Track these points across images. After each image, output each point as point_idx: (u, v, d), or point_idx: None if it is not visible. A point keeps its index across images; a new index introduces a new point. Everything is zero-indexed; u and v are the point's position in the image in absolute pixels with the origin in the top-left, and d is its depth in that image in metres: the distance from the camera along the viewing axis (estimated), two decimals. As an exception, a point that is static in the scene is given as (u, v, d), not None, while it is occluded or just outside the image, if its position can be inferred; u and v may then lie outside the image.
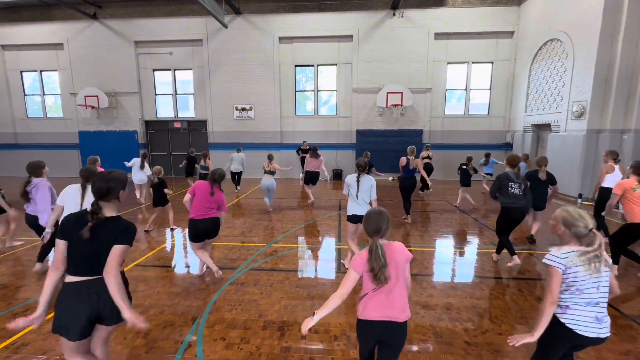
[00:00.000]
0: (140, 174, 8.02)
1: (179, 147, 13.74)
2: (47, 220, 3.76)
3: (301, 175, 12.73)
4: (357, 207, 4.06)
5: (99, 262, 1.78)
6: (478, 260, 4.77)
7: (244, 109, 12.89)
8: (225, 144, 12.92)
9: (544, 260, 1.81)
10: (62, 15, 12.82)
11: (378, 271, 1.75)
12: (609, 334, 1.77)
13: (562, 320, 1.77)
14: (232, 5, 11.68)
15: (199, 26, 12.46)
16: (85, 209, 1.83)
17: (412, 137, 12.34)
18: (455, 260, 4.77)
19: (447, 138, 12.41)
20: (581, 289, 1.73)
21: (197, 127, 13.57)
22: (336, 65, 12.65)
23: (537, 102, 10.61)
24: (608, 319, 1.77)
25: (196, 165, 9.90)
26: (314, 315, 1.86)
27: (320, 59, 12.65)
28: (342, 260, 4.60)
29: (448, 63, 12.29)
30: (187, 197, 3.85)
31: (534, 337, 1.80)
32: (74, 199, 3.35)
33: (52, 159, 14.23)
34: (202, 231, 3.82)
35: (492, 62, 12.19)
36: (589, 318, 1.73)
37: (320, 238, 5.68)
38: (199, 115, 13.43)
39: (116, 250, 1.77)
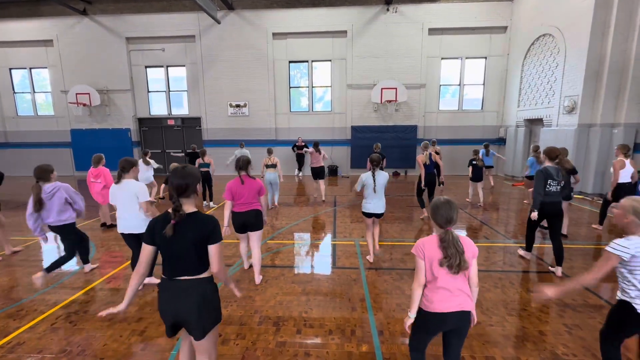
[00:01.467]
0: (146, 173, 7.57)
1: (173, 145, 13.64)
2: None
3: (297, 172, 12.76)
4: (374, 204, 4.16)
5: (188, 261, 1.78)
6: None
7: (238, 106, 12.82)
8: (220, 141, 12.86)
9: (607, 248, 1.88)
10: (51, 11, 12.58)
11: (456, 258, 1.77)
12: None
13: (635, 307, 1.88)
14: (225, 0, 11.56)
15: (192, 22, 12.32)
16: (166, 211, 1.81)
17: (407, 132, 12.40)
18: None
19: (441, 133, 12.47)
20: None
21: (191, 124, 13.47)
22: (330, 61, 12.61)
23: (530, 97, 10.70)
24: None
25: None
26: (409, 313, 1.92)
27: (315, 55, 12.60)
28: (367, 257, 4.50)
29: (442, 58, 12.33)
30: (227, 204, 3.67)
31: (555, 295, 1.97)
32: (118, 193, 3.46)
33: (44, 158, 14.08)
34: (242, 223, 3.72)
35: (485, 58, 12.25)
36: None
37: (315, 234, 5.72)
38: (192, 112, 13.34)
39: (214, 250, 1.80)
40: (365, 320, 3.09)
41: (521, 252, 4.63)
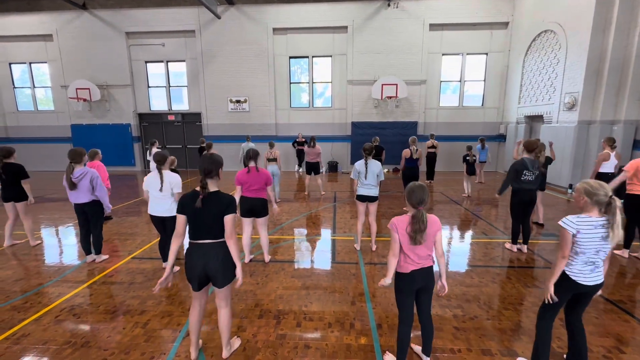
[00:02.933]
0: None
1: (174, 140, 13.66)
2: (108, 202, 4.34)
3: (297, 168, 12.79)
4: (366, 189, 4.42)
5: (212, 228, 2.25)
6: (470, 249, 4.89)
7: (238, 101, 12.81)
8: (220, 137, 12.86)
9: (559, 222, 2.11)
10: (50, 6, 12.50)
11: (417, 234, 2.13)
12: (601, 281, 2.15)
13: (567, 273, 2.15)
14: (225, -5, 11.50)
15: (192, 17, 12.26)
16: (194, 189, 2.27)
17: (407, 128, 12.39)
18: (449, 250, 4.89)
19: (441, 130, 12.48)
20: (583, 252, 2.06)
21: (191, 119, 13.46)
22: (331, 56, 12.57)
23: (530, 94, 10.69)
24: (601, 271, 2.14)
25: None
26: (386, 278, 2.27)
27: (315, 51, 12.56)
28: (354, 245, 4.83)
29: (443, 54, 12.28)
30: (237, 189, 4.00)
31: (552, 284, 2.19)
32: (154, 183, 3.76)
33: (44, 153, 14.13)
34: (249, 208, 4.02)
35: (486, 54, 12.21)
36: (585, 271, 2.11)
37: (315, 230, 5.76)
38: (193, 108, 13.32)
39: (228, 219, 2.25)
40: (364, 313, 3.14)
41: (507, 245, 4.79)
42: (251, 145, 9.60)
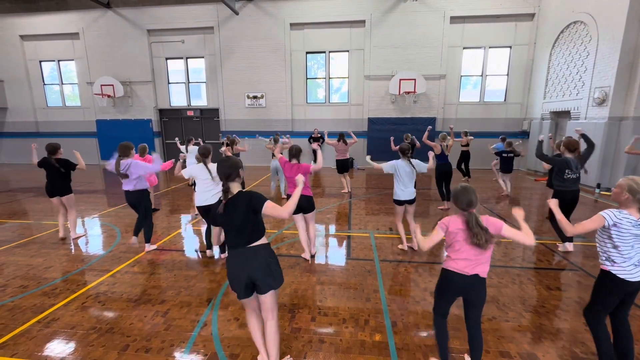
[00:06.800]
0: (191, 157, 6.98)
1: (192, 135, 13.91)
2: (159, 164, 4.50)
3: (312, 163, 12.79)
4: (404, 190, 4.32)
5: (245, 233, 2.12)
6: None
7: (255, 97, 12.92)
8: (237, 132, 13.01)
9: (600, 212, 2.06)
10: (77, 5, 12.99)
11: (483, 238, 2.01)
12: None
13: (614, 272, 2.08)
14: (243, -9, 11.57)
15: (210, 13, 12.42)
16: (219, 199, 2.22)
17: (425, 124, 12.10)
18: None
19: (461, 126, 12.13)
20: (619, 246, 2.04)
21: (209, 115, 13.71)
22: (348, 51, 12.45)
23: (557, 89, 10.22)
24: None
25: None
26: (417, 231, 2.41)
27: (332, 46, 12.47)
28: (399, 246, 4.66)
29: (464, 48, 11.92)
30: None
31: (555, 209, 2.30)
32: (202, 173, 4.01)
33: (72, 146, 14.68)
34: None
35: (510, 47, 11.75)
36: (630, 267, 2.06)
37: (330, 226, 5.77)
38: (211, 104, 13.56)
39: (268, 208, 2.09)
40: (379, 310, 3.13)
41: (560, 247, 4.57)
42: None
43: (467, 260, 2.09)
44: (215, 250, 4.48)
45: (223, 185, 2.16)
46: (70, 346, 2.64)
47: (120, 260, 4.32)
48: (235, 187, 2.20)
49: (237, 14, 12.15)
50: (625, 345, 2.20)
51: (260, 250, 2.15)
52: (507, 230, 2.07)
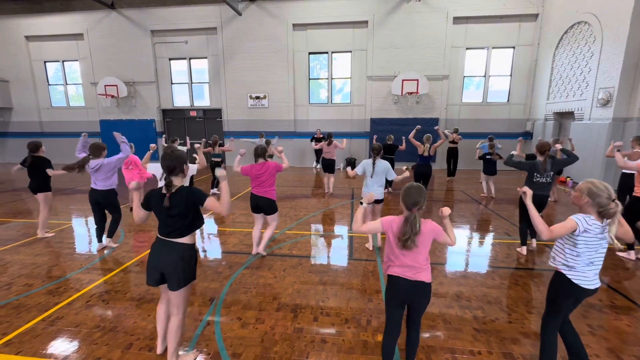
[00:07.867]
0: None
1: (195, 136, 13.97)
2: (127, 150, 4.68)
3: (314, 164, 12.81)
4: (370, 188, 4.36)
5: (175, 227, 2.15)
6: (492, 250, 4.75)
7: (257, 98, 12.95)
8: (240, 133, 13.07)
9: (572, 217, 2.00)
10: (81, 6, 13.07)
11: (408, 238, 1.98)
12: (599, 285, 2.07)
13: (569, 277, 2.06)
14: (246, -8, 11.61)
15: (214, 14, 12.47)
16: (160, 187, 2.24)
17: (428, 125, 12.07)
18: (469, 250, 4.77)
19: (464, 126, 12.11)
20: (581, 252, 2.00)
21: (212, 115, 13.75)
22: (350, 52, 12.45)
23: (561, 89, 10.17)
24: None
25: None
26: (362, 204, 2.35)
27: (335, 46, 12.48)
28: (366, 245, 4.74)
29: (467, 49, 11.89)
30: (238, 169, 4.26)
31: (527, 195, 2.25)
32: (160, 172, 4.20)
33: (74, 147, 14.82)
34: (254, 205, 4.22)
35: (513, 47, 11.71)
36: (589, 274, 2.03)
37: (332, 226, 5.77)
38: (214, 104, 13.60)
39: (209, 203, 2.19)
40: (381, 311, 3.13)
41: (518, 249, 4.57)
42: (262, 141, 9.67)
43: (406, 267, 2.05)
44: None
45: (166, 179, 2.15)
46: (75, 344, 2.66)
47: (124, 259, 4.35)
48: (177, 181, 2.22)
49: (240, 14, 12.19)
50: (577, 343, 2.22)
51: (178, 247, 2.16)
52: (441, 236, 2.10)
